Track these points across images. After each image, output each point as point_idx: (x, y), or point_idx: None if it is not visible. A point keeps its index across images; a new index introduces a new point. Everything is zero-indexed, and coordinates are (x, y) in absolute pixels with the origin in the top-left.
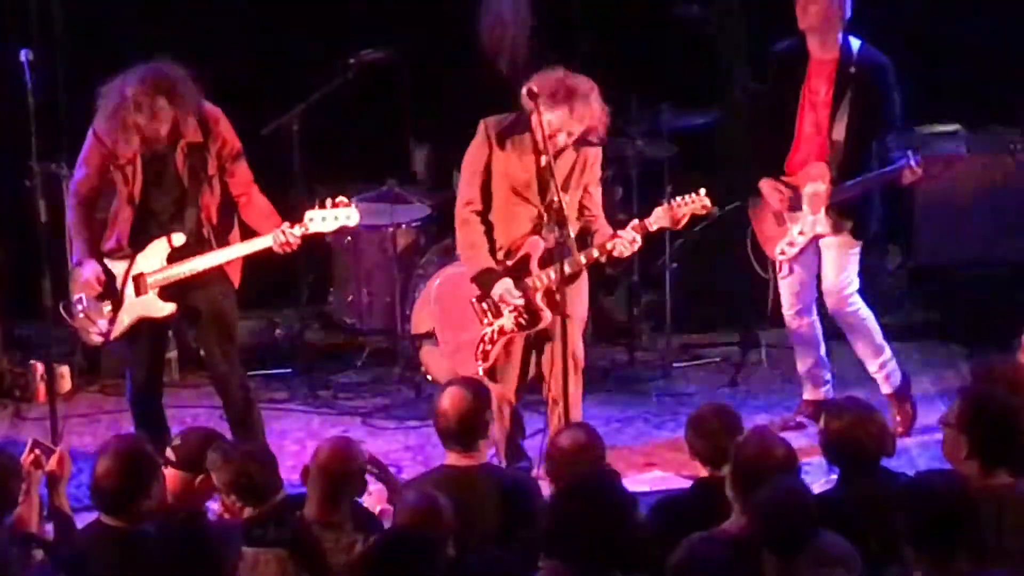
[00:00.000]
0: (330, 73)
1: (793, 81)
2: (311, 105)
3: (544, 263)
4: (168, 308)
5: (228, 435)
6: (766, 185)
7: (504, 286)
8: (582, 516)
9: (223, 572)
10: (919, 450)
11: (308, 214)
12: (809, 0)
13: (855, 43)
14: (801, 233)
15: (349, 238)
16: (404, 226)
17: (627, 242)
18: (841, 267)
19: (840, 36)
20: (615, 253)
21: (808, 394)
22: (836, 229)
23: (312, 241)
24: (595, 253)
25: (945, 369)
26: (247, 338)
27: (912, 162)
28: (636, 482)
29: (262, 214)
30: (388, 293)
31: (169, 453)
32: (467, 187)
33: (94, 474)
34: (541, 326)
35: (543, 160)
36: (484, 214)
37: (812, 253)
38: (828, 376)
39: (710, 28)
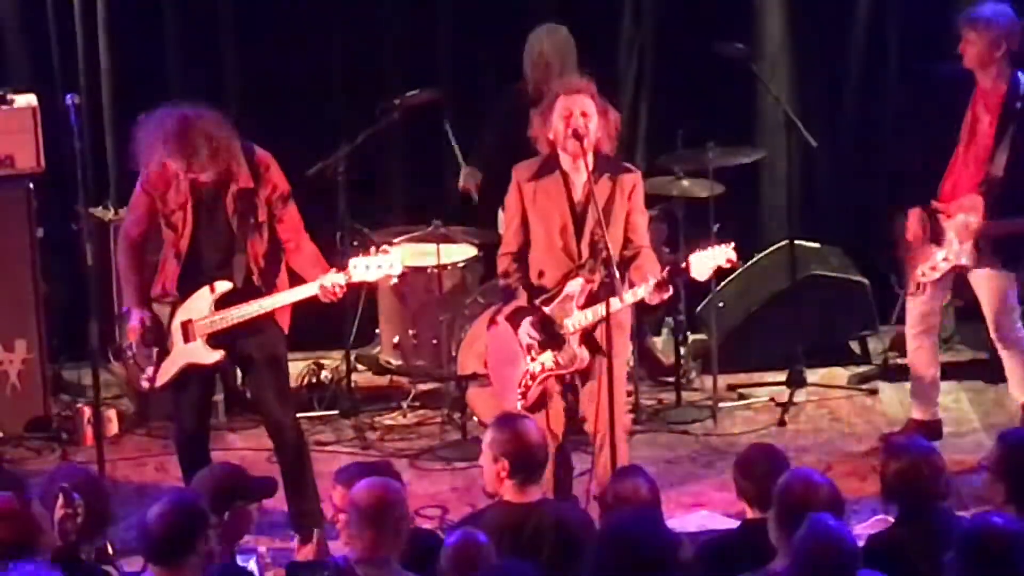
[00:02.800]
0: (375, 114)
1: (955, 106)
2: (356, 146)
3: (586, 304)
4: (215, 355)
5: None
6: (913, 215)
7: (525, 327)
8: (626, 557)
9: None
10: (967, 489)
11: (352, 262)
12: (966, 43)
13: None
14: (946, 260)
15: (395, 279)
16: (450, 267)
17: (654, 291)
18: (997, 297)
19: (1008, 70)
20: (646, 300)
21: (917, 414)
22: (980, 263)
23: (358, 282)
24: (628, 298)
25: (994, 408)
26: (293, 380)
27: None
28: (684, 523)
29: (309, 261)
30: (434, 334)
31: None
32: (505, 233)
33: (146, 522)
34: (576, 367)
35: (578, 191)
36: (524, 256)
37: (949, 280)
38: (938, 399)
39: (754, 66)
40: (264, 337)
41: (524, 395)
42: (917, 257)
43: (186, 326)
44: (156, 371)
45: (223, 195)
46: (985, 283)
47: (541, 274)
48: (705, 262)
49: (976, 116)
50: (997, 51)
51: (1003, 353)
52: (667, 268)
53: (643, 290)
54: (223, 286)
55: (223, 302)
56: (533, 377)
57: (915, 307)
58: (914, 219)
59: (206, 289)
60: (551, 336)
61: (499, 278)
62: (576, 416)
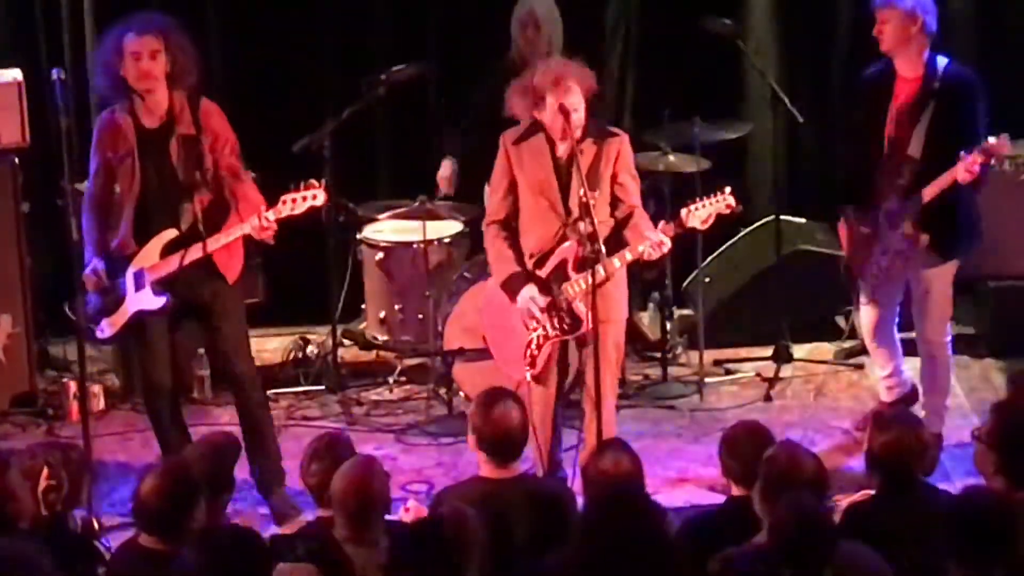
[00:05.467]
0: (361, 89)
1: (881, 103)
2: (342, 122)
3: (580, 267)
4: (160, 301)
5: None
6: (844, 223)
7: (528, 294)
8: (614, 532)
9: None
10: (953, 463)
11: (281, 198)
12: (881, 22)
13: (942, 61)
14: (884, 253)
15: (381, 254)
16: (436, 242)
17: (654, 244)
18: (929, 291)
19: (925, 54)
20: (645, 256)
21: (886, 397)
22: (912, 245)
23: (344, 257)
24: (628, 256)
25: (979, 383)
26: (280, 356)
27: (965, 158)
28: (670, 498)
29: (255, 210)
30: (420, 310)
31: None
32: (491, 200)
33: (138, 492)
34: (583, 331)
35: (560, 150)
36: (511, 225)
37: (897, 279)
38: (906, 376)
39: (742, 42)
40: (218, 288)
41: (532, 364)
42: (860, 259)
43: (137, 276)
44: (110, 321)
45: (167, 142)
46: (927, 279)
47: (531, 236)
48: (703, 212)
49: (898, 107)
50: (912, 25)
51: (926, 358)
52: (663, 221)
53: (643, 247)
54: (169, 234)
55: (170, 249)
56: (539, 346)
57: (866, 313)
58: (843, 233)
59: (157, 238)
60: (552, 302)
61: (487, 248)
62: (567, 379)
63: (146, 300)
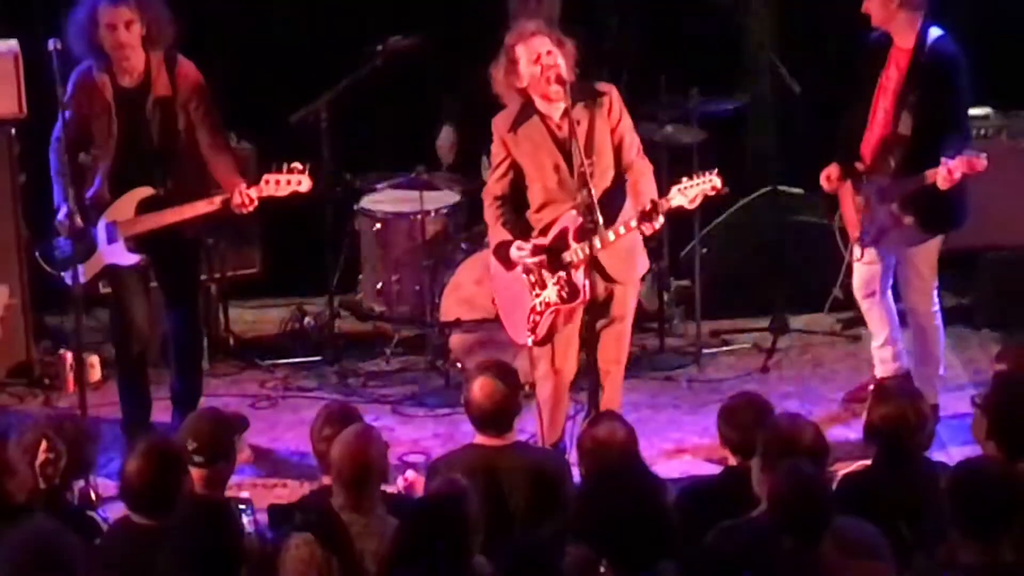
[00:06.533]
0: (358, 60)
1: (876, 68)
2: (339, 93)
3: (580, 237)
4: (133, 258)
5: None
6: (832, 171)
7: (515, 250)
8: (611, 502)
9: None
10: (948, 433)
11: (264, 177)
12: (866, 1)
13: (934, 33)
14: (871, 223)
15: (379, 225)
16: (433, 213)
17: (647, 224)
18: (913, 264)
19: (918, 24)
20: (643, 232)
21: (880, 371)
22: (897, 222)
23: (341, 228)
24: (622, 230)
25: (975, 354)
26: (277, 327)
27: (946, 166)
28: (667, 468)
29: (227, 172)
30: (417, 281)
31: (192, 453)
32: (491, 182)
33: (124, 473)
34: (580, 300)
35: (556, 122)
36: (508, 198)
37: (891, 242)
38: (900, 349)
39: (739, 13)
40: (182, 248)
41: (533, 330)
42: (854, 221)
43: (110, 228)
44: (80, 269)
45: (144, 101)
46: (912, 252)
47: (544, 212)
48: (689, 192)
49: (889, 75)
50: (891, 3)
51: (915, 329)
52: (651, 202)
53: (634, 222)
54: (144, 191)
55: (145, 207)
56: (540, 313)
57: (859, 272)
58: (827, 176)
59: (132, 193)
60: (554, 263)
61: (486, 219)
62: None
63: (120, 255)
